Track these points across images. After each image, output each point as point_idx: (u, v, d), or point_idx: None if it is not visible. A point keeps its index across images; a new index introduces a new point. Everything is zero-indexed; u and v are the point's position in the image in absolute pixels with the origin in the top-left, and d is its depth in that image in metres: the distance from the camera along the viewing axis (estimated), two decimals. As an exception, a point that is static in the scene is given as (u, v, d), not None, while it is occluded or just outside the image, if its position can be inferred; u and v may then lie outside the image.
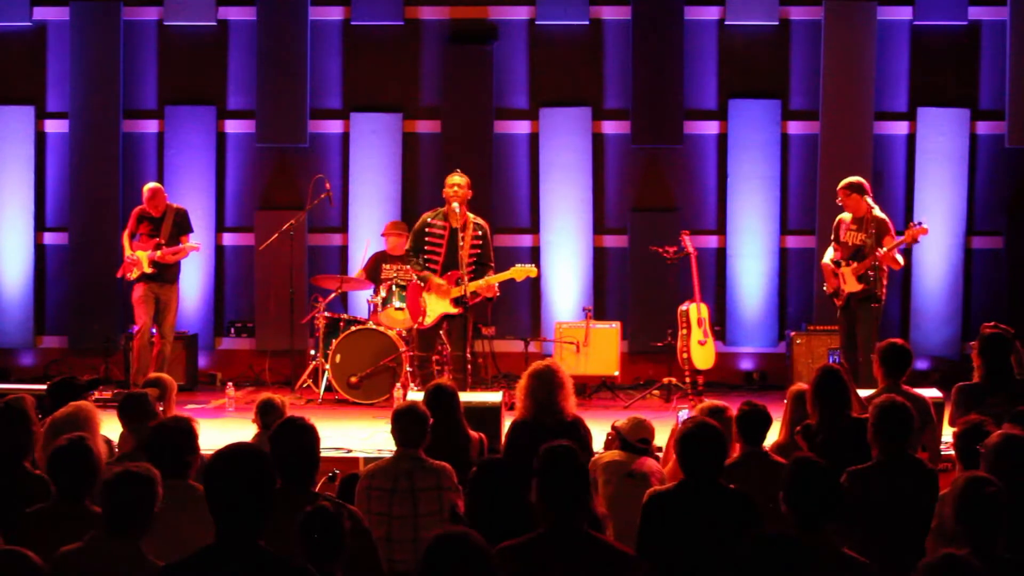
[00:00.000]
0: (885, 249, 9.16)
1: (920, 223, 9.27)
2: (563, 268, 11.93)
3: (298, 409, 9.27)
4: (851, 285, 9.29)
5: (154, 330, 10.46)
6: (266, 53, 11.95)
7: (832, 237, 9.57)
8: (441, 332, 9.41)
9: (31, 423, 5.41)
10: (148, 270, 10.34)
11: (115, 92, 11.99)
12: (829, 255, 9.54)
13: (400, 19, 12.04)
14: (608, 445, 6.30)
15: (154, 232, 10.42)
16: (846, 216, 9.42)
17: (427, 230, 9.20)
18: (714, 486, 4.82)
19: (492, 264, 9.31)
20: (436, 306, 9.19)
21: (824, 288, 9.66)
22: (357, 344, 10.42)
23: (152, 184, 10.61)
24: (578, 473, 4.28)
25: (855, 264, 9.25)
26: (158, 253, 10.31)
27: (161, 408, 6.00)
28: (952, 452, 7.29)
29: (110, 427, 6.23)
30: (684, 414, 8.22)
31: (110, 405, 7.73)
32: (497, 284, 9.28)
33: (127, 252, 10.44)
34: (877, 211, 9.30)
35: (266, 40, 11.95)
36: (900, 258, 9.45)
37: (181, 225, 10.55)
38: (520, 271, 9.36)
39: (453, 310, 9.13)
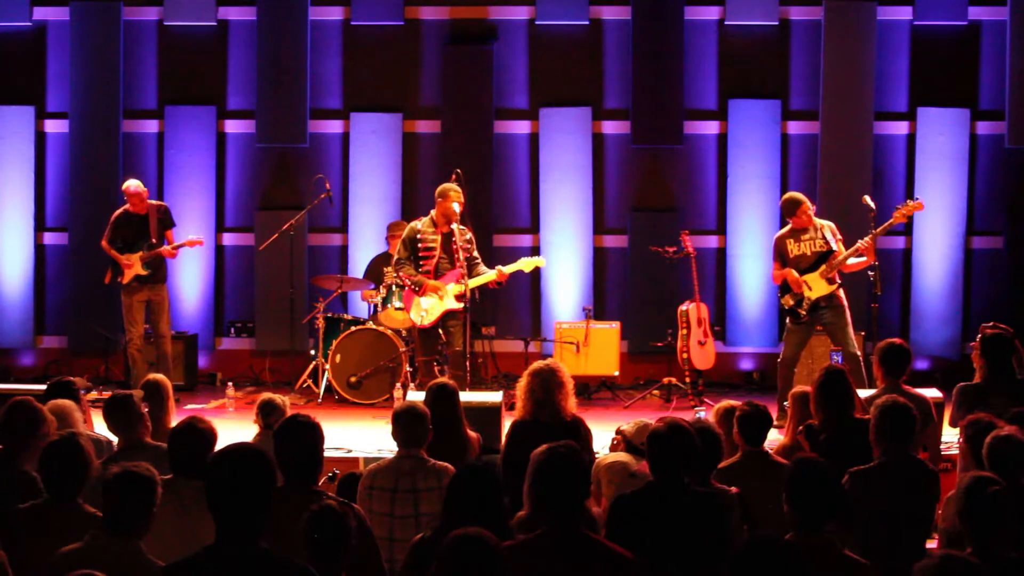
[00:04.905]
0: (867, 240, 9.10)
1: (916, 198, 9.28)
2: (563, 268, 11.92)
3: (298, 409, 9.24)
4: (819, 289, 9.21)
5: (149, 329, 10.46)
6: (266, 53, 11.95)
7: (775, 259, 9.39)
8: (440, 332, 9.39)
9: (45, 424, 5.40)
10: (143, 272, 10.33)
11: (115, 92, 11.98)
12: (776, 271, 9.40)
13: (400, 19, 12.04)
14: (613, 449, 6.30)
15: (141, 232, 10.41)
16: (785, 234, 9.34)
17: (418, 236, 9.19)
18: (681, 488, 4.64)
19: (480, 263, 9.32)
20: (437, 305, 9.18)
21: (784, 301, 9.37)
22: (357, 344, 10.43)
23: (133, 182, 10.53)
24: (581, 475, 4.23)
25: (823, 267, 9.18)
26: (155, 251, 10.32)
27: (147, 410, 5.98)
28: (953, 452, 7.34)
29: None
30: (702, 415, 8.28)
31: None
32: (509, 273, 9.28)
33: (121, 257, 10.39)
34: (816, 218, 9.35)
35: (266, 40, 11.95)
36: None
37: (164, 221, 10.57)
38: (528, 262, 9.36)
39: (456, 305, 9.10)
